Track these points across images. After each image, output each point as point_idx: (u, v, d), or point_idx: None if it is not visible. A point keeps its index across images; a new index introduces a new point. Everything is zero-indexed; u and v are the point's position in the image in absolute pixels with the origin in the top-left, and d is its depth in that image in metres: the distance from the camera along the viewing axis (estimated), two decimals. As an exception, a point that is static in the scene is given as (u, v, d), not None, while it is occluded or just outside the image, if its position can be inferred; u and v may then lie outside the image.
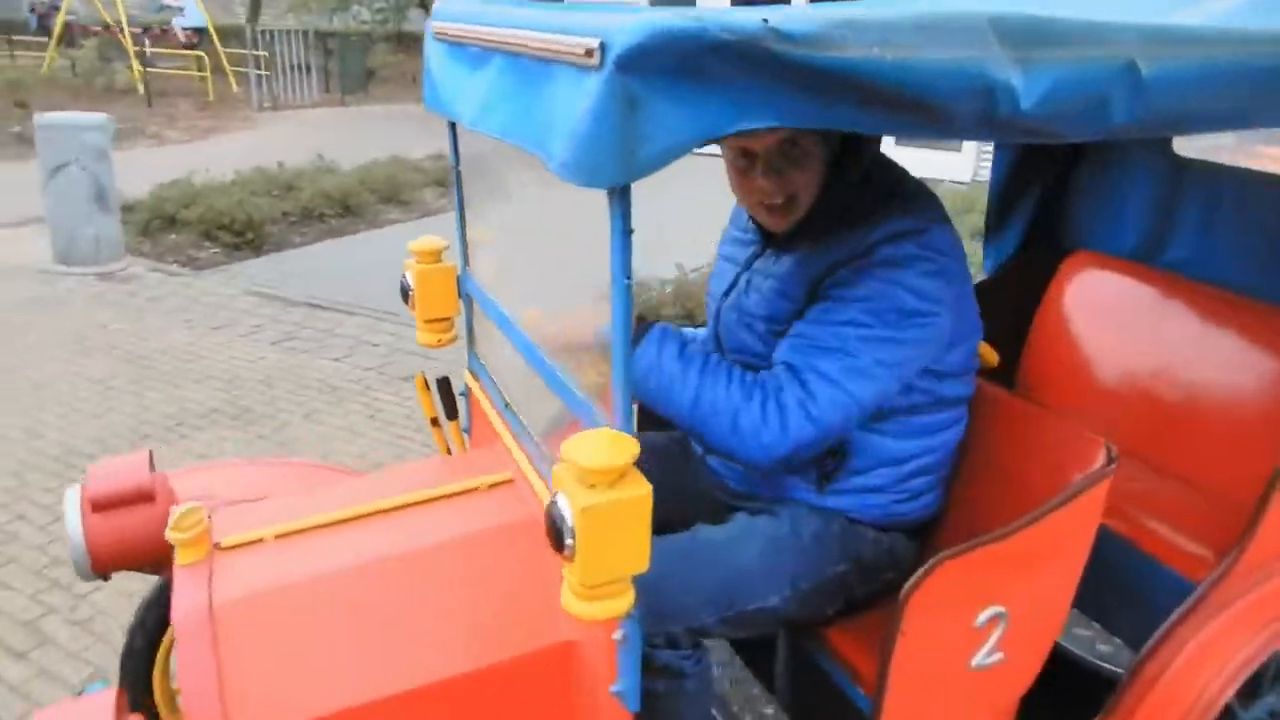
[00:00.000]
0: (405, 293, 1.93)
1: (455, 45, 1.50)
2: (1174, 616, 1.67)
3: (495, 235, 1.83)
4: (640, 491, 1.08)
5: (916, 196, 1.56)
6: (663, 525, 1.75)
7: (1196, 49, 1.19)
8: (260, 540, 1.50)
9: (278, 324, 5.43)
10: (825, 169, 1.53)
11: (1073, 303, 2.51)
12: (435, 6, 1.65)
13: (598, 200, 1.06)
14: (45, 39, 17.25)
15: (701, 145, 1.03)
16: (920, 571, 1.39)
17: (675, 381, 1.46)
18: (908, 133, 1.11)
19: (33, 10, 21.14)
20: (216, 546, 1.48)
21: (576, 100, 1.01)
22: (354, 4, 22.34)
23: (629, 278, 1.09)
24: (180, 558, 1.44)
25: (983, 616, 1.48)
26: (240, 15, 21.59)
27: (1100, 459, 1.58)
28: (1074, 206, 2.60)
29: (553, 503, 1.10)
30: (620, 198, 1.06)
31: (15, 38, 18.25)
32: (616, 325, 1.12)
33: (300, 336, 5.24)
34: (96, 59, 16.62)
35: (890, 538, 1.66)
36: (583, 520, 1.06)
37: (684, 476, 1.82)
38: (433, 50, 1.63)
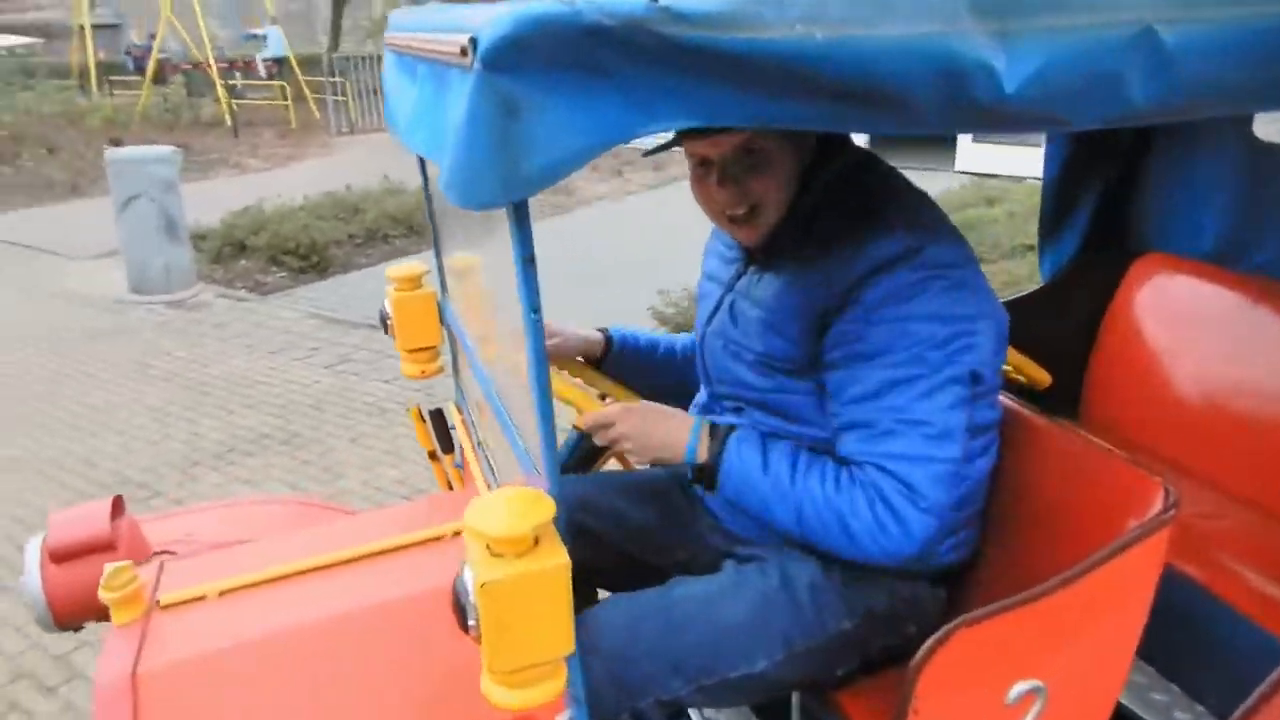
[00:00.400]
0: (384, 321, 1.82)
1: (400, 56, 1.38)
2: (1266, 685, 1.41)
3: (464, 263, 1.70)
4: (554, 562, 0.92)
5: (903, 205, 1.36)
6: (657, 573, 1.60)
7: (1232, 6, 0.97)
8: (203, 598, 1.39)
9: (335, 347, 5.46)
10: (795, 174, 1.36)
11: (1143, 311, 2.23)
12: (391, 16, 1.53)
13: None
14: (141, 78, 18.12)
15: (607, 150, 0.87)
16: (934, 639, 1.18)
17: (771, 499, 1.32)
18: (859, 127, 0.93)
19: (128, 53, 22.34)
20: (157, 604, 1.38)
21: (457, 107, 0.87)
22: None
23: (537, 310, 0.94)
24: (115, 618, 1.34)
25: (1015, 692, 1.26)
26: (323, 44, 22.27)
27: (1157, 503, 1.34)
28: (1142, 203, 2.32)
29: (459, 575, 0.95)
30: (517, 218, 0.90)
31: (114, 78, 19.22)
32: (531, 366, 0.97)
33: (354, 359, 5.25)
34: (185, 94, 17.32)
35: (911, 586, 1.45)
36: (484, 598, 0.91)
37: (685, 517, 1.65)
38: (387, 63, 1.51)
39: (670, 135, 1.28)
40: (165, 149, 6.55)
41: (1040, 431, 1.55)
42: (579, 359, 1.75)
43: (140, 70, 19.19)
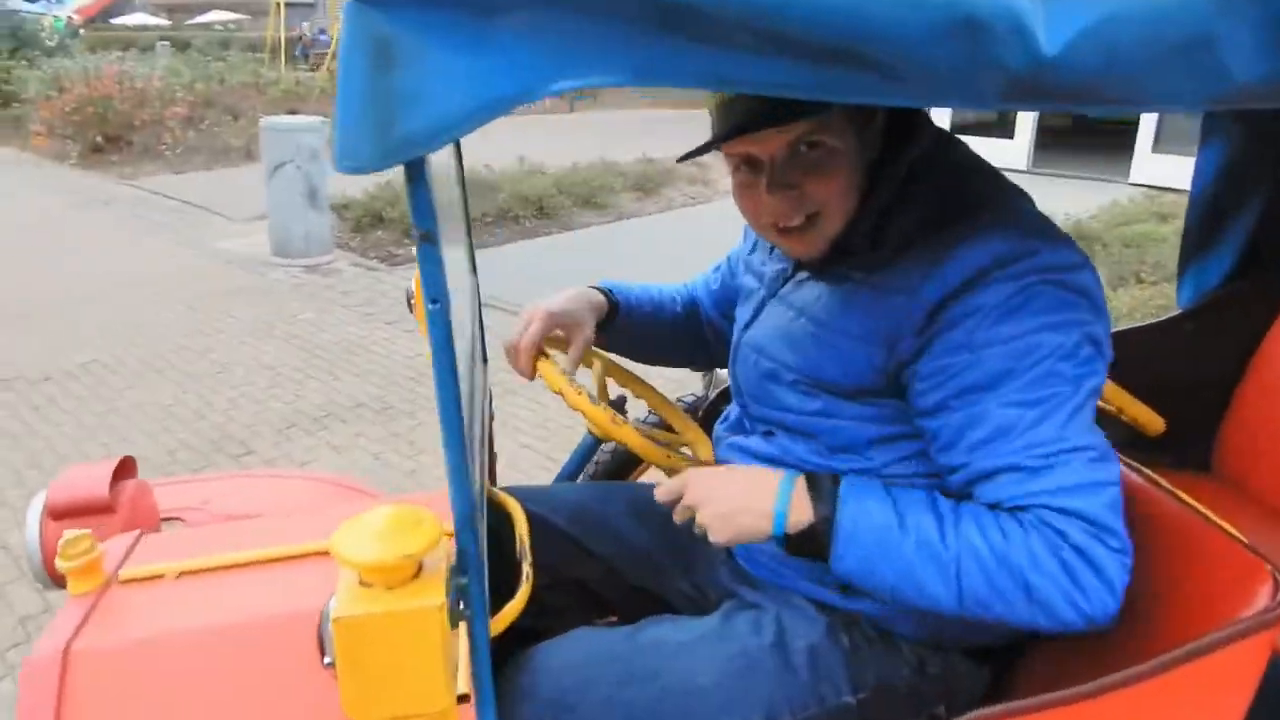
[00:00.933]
0: (409, 300, 1.72)
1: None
2: None
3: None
4: (423, 603, 0.77)
5: (1000, 200, 1.12)
6: (659, 603, 1.43)
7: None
8: (161, 576, 1.32)
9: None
10: (862, 171, 1.13)
11: (1304, 352, 1.87)
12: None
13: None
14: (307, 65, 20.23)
15: (506, 113, 0.71)
16: None
17: (915, 565, 1.01)
18: (849, 94, 0.72)
19: (299, 40, 24.58)
20: (116, 578, 1.32)
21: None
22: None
23: (436, 300, 0.78)
24: (71, 588, 1.29)
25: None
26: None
27: (1263, 594, 1.07)
28: (1315, 223, 1.94)
29: (330, 601, 0.82)
30: (411, 186, 0.75)
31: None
32: (436, 364, 0.82)
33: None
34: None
35: (944, 659, 1.21)
36: (339, 633, 0.76)
37: (693, 543, 1.46)
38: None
39: (708, 134, 1.10)
40: (314, 119, 6.81)
41: (1134, 489, 1.27)
42: (610, 355, 1.61)
43: (307, 59, 21.12)
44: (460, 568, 0.86)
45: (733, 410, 1.43)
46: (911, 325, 1.06)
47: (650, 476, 2.02)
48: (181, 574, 1.32)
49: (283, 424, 4.08)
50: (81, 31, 22.38)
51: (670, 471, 1.83)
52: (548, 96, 0.70)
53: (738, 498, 1.07)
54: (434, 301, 0.78)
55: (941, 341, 1.04)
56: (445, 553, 0.84)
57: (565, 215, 8.19)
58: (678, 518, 1.14)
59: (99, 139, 11.40)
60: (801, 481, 1.06)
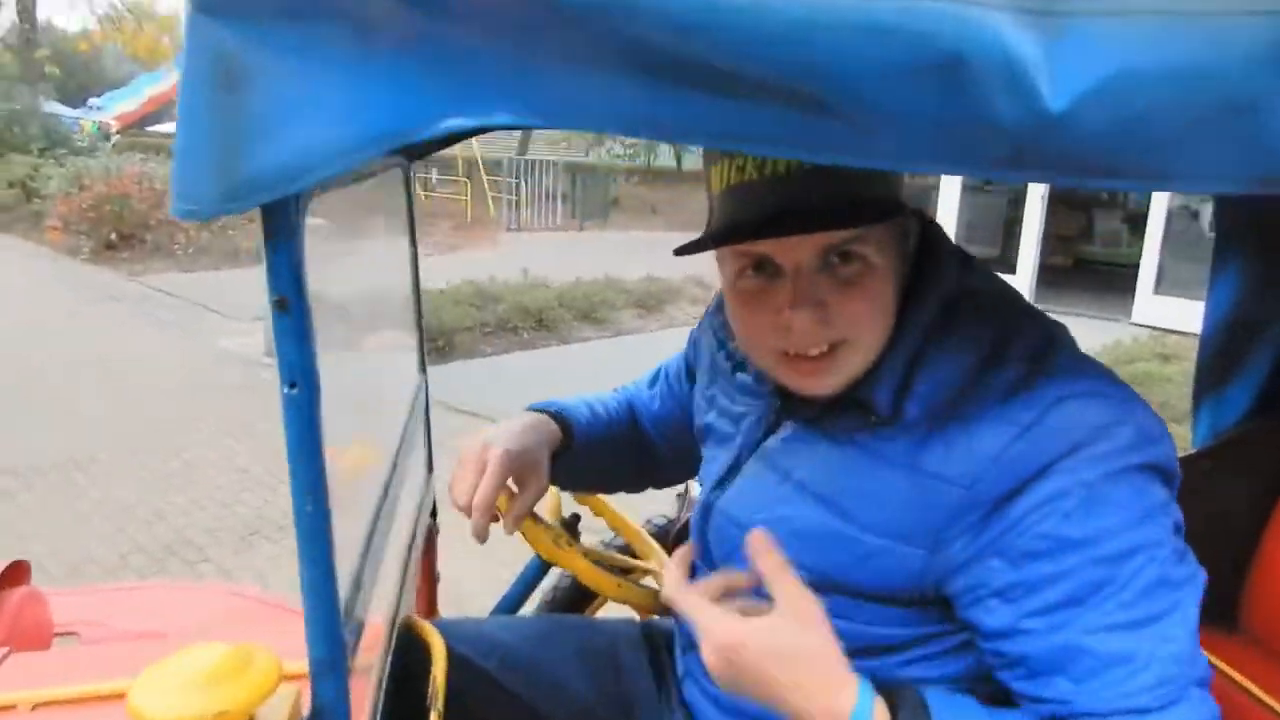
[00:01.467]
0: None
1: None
2: None
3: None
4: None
5: (1063, 344, 0.92)
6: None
7: None
8: (14, 707, 1.12)
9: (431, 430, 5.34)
10: (896, 294, 0.92)
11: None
12: None
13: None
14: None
15: (384, 152, 0.57)
16: None
17: None
18: (812, 147, 0.58)
19: None
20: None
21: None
22: (608, 140, 23.95)
23: (294, 384, 0.63)
24: (-98, 716, 1.09)
25: None
26: (498, 147, 23.79)
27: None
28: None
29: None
30: (270, 239, 0.61)
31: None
32: (292, 462, 0.66)
33: (446, 445, 5.09)
34: (378, 184, 18.81)
35: None
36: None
37: (648, 702, 1.25)
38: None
39: (712, 224, 0.91)
40: (315, 222, 6.82)
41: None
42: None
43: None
44: (314, 726, 0.68)
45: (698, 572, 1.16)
46: (965, 523, 0.85)
47: (611, 608, 1.82)
48: (37, 706, 1.12)
49: (245, 530, 3.87)
50: (117, 136, 23.13)
51: (641, 605, 1.63)
52: (437, 135, 0.57)
53: (790, 697, 0.81)
54: (291, 385, 0.63)
55: (1010, 546, 0.83)
56: (290, 705, 0.66)
57: (564, 329, 8.14)
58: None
59: (112, 236, 11.54)
60: (880, 705, 0.81)
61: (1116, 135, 0.56)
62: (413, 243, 1.50)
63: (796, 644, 0.81)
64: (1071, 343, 0.93)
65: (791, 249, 0.87)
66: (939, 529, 0.86)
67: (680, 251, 0.91)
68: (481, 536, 1.16)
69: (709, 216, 0.95)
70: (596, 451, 1.33)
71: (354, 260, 1.40)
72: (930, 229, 0.96)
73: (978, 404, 0.86)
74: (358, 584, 0.85)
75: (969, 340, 0.90)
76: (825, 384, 0.92)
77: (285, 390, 0.62)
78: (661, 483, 1.51)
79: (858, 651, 0.87)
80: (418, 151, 1.42)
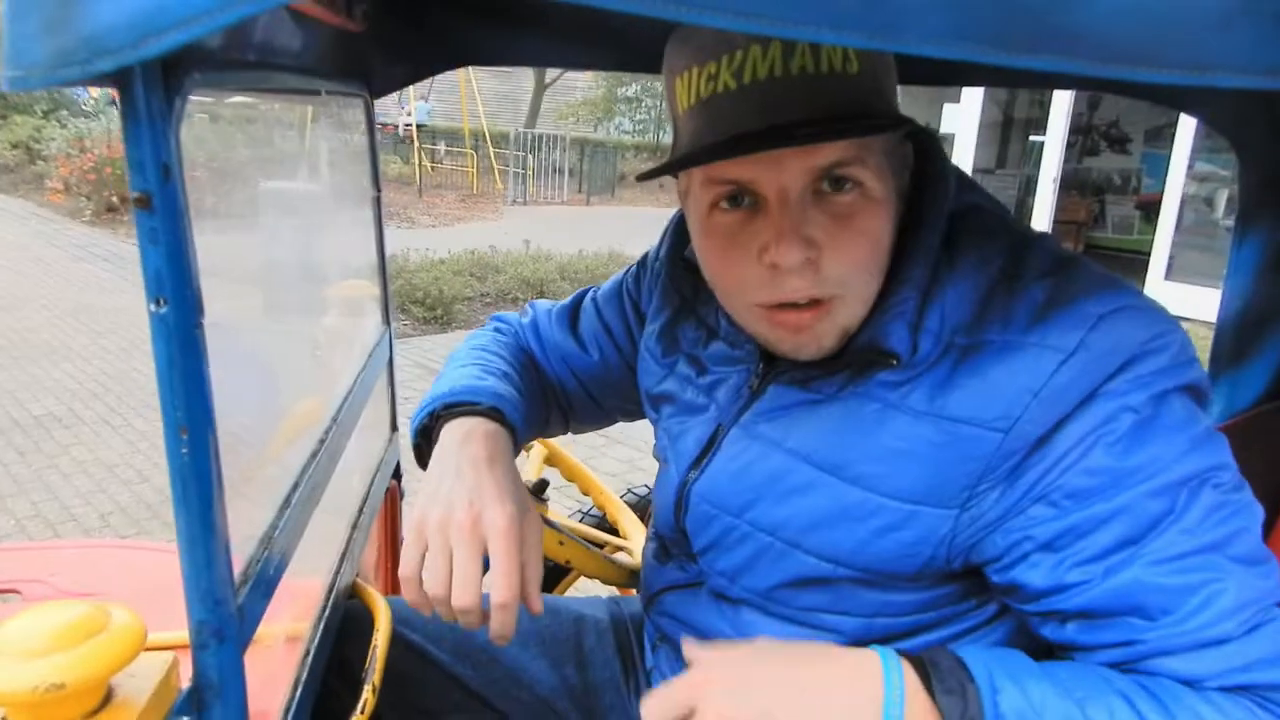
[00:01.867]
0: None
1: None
2: None
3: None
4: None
5: (1082, 265, 0.80)
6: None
7: None
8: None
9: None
10: (893, 225, 0.79)
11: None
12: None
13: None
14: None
15: (245, 16, 0.47)
16: None
17: None
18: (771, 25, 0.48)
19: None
20: None
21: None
22: (618, 115, 23.76)
23: (161, 300, 0.54)
24: None
25: None
26: (505, 120, 23.57)
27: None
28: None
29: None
30: (126, 119, 0.51)
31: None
32: (162, 391, 0.57)
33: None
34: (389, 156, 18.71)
35: None
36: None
37: (597, 690, 1.16)
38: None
39: (683, 146, 0.77)
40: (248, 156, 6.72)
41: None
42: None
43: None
44: (193, 701, 0.59)
45: (668, 571, 1.05)
46: (1001, 472, 0.74)
47: (583, 586, 1.73)
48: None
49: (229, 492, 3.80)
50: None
51: (614, 580, 1.53)
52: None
53: (808, 702, 0.70)
54: (157, 302, 0.53)
55: (1054, 488, 0.72)
56: (161, 676, 0.57)
57: (563, 298, 8.03)
58: None
59: (114, 199, 11.45)
60: (909, 670, 0.71)
61: (1148, 10, 0.46)
62: (375, 185, 1.40)
63: (792, 647, 0.78)
64: (1086, 258, 0.82)
65: (776, 171, 0.72)
66: (972, 483, 0.75)
67: (643, 177, 0.79)
68: (506, 637, 0.85)
69: (673, 140, 0.83)
70: (529, 433, 1.12)
71: (308, 205, 1.30)
72: (928, 143, 0.84)
73: (1001, 331, 0.75)
74: (268, 541, 0.76)
75: (978, 260, 0.79)
76: (817, 343, 0.80)
77: (151, 308, 0.52)
78: (577, 432, 1.32)
79: (855, 644, 0.79)
80: (380, 86, 1.32)
